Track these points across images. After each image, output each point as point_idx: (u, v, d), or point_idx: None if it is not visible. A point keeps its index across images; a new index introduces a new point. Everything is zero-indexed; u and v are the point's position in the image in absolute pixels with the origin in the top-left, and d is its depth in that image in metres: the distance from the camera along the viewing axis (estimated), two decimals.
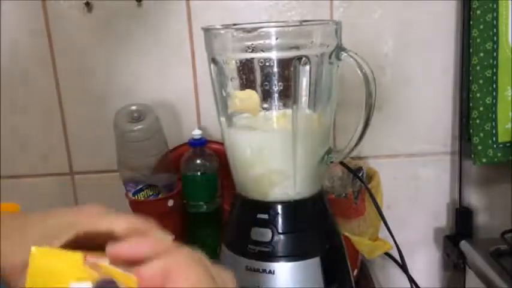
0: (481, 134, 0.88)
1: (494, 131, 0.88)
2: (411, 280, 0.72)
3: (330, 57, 0.55)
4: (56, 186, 1.00)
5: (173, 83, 0.94)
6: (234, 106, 0.58)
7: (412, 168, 0.98)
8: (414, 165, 0.98)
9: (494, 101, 0.88)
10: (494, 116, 0.88)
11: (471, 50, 0.87)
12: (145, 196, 0.80)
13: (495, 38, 0.86)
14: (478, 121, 0.88)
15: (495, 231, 0.88)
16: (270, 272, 0.55)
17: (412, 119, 0.95)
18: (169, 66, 0.93)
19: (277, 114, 0.57)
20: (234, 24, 0.57)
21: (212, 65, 0.57)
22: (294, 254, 0.55)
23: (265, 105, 0.57)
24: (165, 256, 0.35)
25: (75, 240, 0.35)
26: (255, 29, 0.52)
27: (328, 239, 0.59)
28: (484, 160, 0.89)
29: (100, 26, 0.92)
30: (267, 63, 0.53)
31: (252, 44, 0.52)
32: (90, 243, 0.35)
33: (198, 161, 0.82)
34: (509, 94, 0.88)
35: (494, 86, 0.87)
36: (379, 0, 0.90)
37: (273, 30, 0.53)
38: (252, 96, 0.56)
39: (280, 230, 0.56)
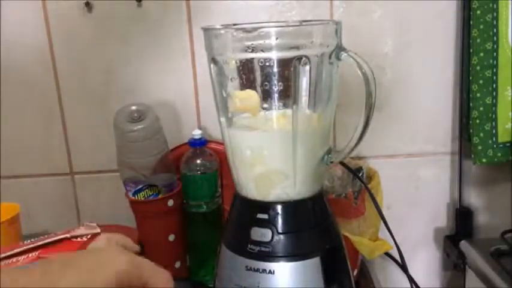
0: (481, 134, 0.88)
1: (494, 131, 0.88)
2: (411, 280, 0.72)
3: (330, 57, 0.55)
4: (56, 186, 1.00)
5: (173, 83, 0.94)
6: (234, 106, 0.58)
7: (412, 168, 0.98)
8: (414, 165, 0.98)
9: (494, 101, 0.88)
10: (494, 116, 0.88)
11: (471, 50, 0.87)
12: (145, 196, 0.80)
13: (495, 38, 0.86)
14: (478, 121, 0.88)
15: (495, 231, 0.88)
16: (269, 272, 0.55)
17: (412, 119, 0.95)
18: (169, 66, 0.93)
19: (277, 114, 0.57)
20: (234, 24, 0.57)
21: (212, 65, 0.57)
22: (294, 254, 0.55)
23: (265, 105, 0.57)
24: None
25: None
26: (255, 29, 0.52)
27: (328, 239, 0.59)
28: (484, 160, 0.89)
29: (100, 26, 0.92)
30: (267, 63, 0.53)
31: (252, 44, 0.52)
32: None
33: (198, 161, 0.82)
34: (509, 94, 0.88)
35: (494, 86, 0.87)
36: (379, 0, 0.90)
37: (273, 30, 0.52)
38: (252, 96, 0.56)
39: (280, 230, 0.56)
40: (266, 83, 0.55)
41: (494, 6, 0.85)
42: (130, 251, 0.49)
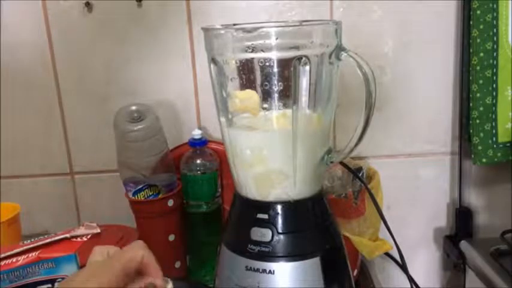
0: (481, 134, 0.88)
1: (494, 131, 0.88)
2: (411, 280, 0.72)
3: (330, 57, 0.55)
4: (56, 186, 1.00)
5: (173, 83, 0.94)
6: (234, 106, 0.58)
7: (412, 168, 0.98)
8: (414, 165, 0.98)
9: (494, 101, 0.88)
10: (494, 116, 0.88)
11: (471, 50, 0.87)
12: (145, 196, 0.80)
13: (495, 38, 0.86)
14: (478, 121, 0.88)
15: (495, 231, 0.88)
16: (269, 272, 0.55)
17: (412, 119, 0.95)
18: (169, 66, 0.93)
19: (277, 114, 0.57)
20: (234, 24, 0.57)
21: (212, 65, 0.57)
22: (294, 254, 0.55)
23: (265, 105, 0.57)
24: None
25: None
26: (255, 29, 0.52)
27: (328, 239, 0.59)
28: (484, 160, 0.89)
29: (100, 26, 0.92)
30: (267, 63, 0.53)
31: (252, 44, 0.52)
32: None
33: (198, 161, 0.82)
34: (509, 94, 0.88)
35: (494, 86, 0.87)
36: (379, 0, 0.90)
37: (273, 30, 0.52)
38: (252, 96, 0.56)
39: (280, 230, 0.56)
40: (266, 83, 0.55)
41: (494, 6, 0.85)
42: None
